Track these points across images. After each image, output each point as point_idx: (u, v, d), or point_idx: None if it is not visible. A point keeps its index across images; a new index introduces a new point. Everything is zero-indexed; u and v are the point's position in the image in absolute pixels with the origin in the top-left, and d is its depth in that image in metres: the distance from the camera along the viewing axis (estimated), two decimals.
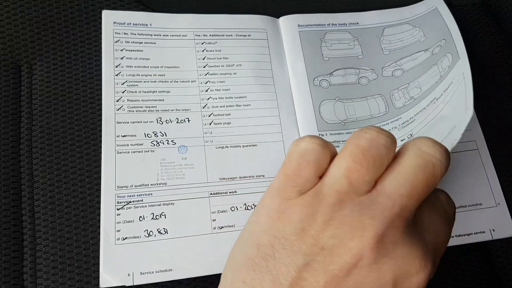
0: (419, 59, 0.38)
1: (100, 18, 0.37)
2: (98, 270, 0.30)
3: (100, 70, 0.36)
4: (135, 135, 0.33)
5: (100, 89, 0.35)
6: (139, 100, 0.35)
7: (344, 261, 0.19)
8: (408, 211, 0.19)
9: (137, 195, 0.31)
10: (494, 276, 0.34)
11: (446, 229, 0.21)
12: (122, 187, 0.32)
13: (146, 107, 0.34)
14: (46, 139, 0.34)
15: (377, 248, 0.18)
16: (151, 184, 0.32)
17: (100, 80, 0.36)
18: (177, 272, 0.30)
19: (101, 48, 0.37)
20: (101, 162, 0.33)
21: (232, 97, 0.36)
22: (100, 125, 0.34)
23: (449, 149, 0.23)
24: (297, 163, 0.21)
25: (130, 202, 0.31)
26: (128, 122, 0.34)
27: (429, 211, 0.21)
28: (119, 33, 0.37)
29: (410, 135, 0.34)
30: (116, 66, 0.35)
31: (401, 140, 0.34)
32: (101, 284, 0.29)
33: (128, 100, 0.34)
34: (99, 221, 0.31)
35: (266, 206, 0.22)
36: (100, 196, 0.32)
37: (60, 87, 0.35)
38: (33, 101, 0.35)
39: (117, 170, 0.32)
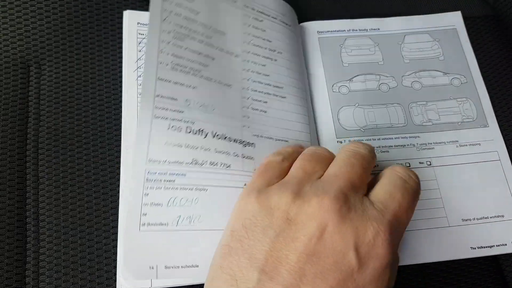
0: (437, 79, 0.39)
1: (114, 18, 0.38)
2: (102, 275, 0.30)
3: (114, 71, 0.37)
4: (177, 99, 0.30)
5: (114, 91, 0.36)
6: (184, 58, 0.32)
7: (311, 228, 0.23)
8: (353, 183, 0.25)
9: (169, 174, 0.29)
10: None
11: (402, 195, 0.25)
12: (154, 161, 0.28)
13: (191, 68, 0.32)
14: (52, 140, 0.34)
15: (335, 211, 0.23)
16: (186, 163, 0.29)
17: (114, 81, 0.37)
18: (203, 270, 0.27)
19: (115, 48, 0.38)
20: (108, 165, 0.34)
21: (270, 85, 0.35)
22: (111, 128, 0.35)
23: None
24: (264, 168, 0.28)
25: (161, 181, 0.28)
26: (170, 81, 0.30)
27: (384, 183, 0.26)
28: (143, 34, 0.37)
29: (429, 163, 0.36)
30: (139, 67, 0.36)
31: (420, 163, 0.36)
32: (118, 277, 0.28)
33: (173, 55, 0.31)
34: (105, 224, 0.32)
35: (239, 200, 0.27)
36: (108, 199, 0.32)
37: (69, 88, 0.36)
38: (41, 102, 0.36)
39: (151, 139, 0.28)
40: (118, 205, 0.32)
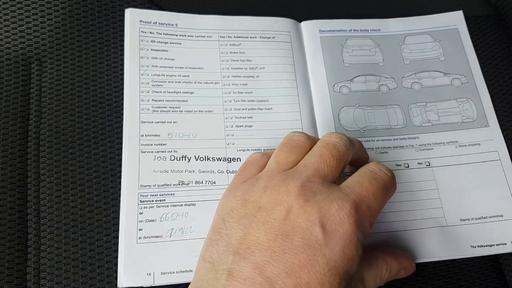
0: (437, 80, 0.40)
1: (116, 16, 0.39)
2: (103, 272, 0.31)
3: (115, 69, 0.37)
4: (159, 135, 0.35)
5: (116, 89, 0.37)
6: (163, 100, 0.36)
7: (279, 211, 0.25)
8: (321, 171, 0.27)
9: (160, 195, 0.33)
10: None
11: (370, 183, 0.27)
12: (145, 186, 0.33)
13: (170, 107, 0.36)
14: (54, 137, 0.35)
15: (300, 196, 0.25)
16: (174, 184, 0.33)
17: (116, 79, 0.37)
18: None
19: (116, 46, 0.38)
20: (109, 162, 0.34)
21: (254, 100, 0.37)
22: (112, 125, 0.35)
23: None
24: (244, 166, 0.30)
25: (153, 201, 0.33)
26: (152, 122, 0.35)
27: (355, 174, 0.28)
28: (145, 32, 0.38)
29: (428, 163, 0.36)
30: (141, 66, 0.37)
31: (419, 164, 0.36)
32: (119, 284, 0.30)
33: (152, 100, 0.36)
34: (106, 222, 0.32)
35: (220, 199, 0.29)
36: (109, 196, 0.33)
37: (70, 85, 0.37)
38: (42, 99, 0.36)
39: (140, 169, 0.33)
40: (119, 202, 0.33)
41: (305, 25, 0.41)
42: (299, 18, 0.42)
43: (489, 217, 0.34)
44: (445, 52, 0.41)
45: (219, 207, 0.29)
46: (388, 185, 0.28)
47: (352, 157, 0.30)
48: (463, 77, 0.40)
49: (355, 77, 0.39)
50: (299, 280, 0.23)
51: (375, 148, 0.36)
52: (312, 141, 0.30)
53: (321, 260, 0.24)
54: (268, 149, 0.35)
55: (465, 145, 0.37)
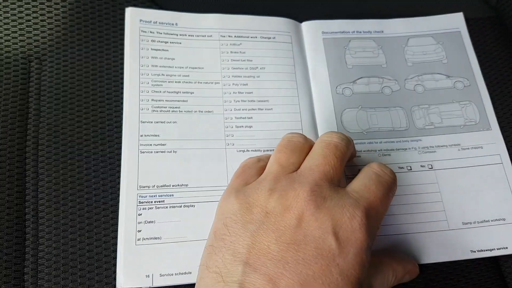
0: (440, 82, 0.40)
1: (116, 15, 0.39)
2: (102, 273, 0.31)
3: (115, 68, 0.37)
4: (159, 135, 0.35)
5: (115, 88, 0.37)
6: (163, 100, 0.36)
7: (289, 218, 0.24)
8: (327, 174, 0.27)
9: (159, 196, 0.33)
10: None
11: (376, 187, 0.27)
12: (144, 187, 0.33)
13: (170, 107, 0.36)
14: (53, 136, 0.35)
15: (311, 202, 0.25)
16: (173, 185, 0.33)
17: (115, 78, 0.37)
18: (195, 276, 0.30)
19: (116, 45, 0.38)
20: (108, 162, 0.34)
21: (254, 101, 0.37)
22: (111, 125, 0.35)
23: None
24: (242, 169, 0.30)
25: (152, 202, 0.33)
26: (152, 122, 0.35)
27: (360, 177, 0.28)
28: (145, 32, 0.38)
29: (430, 166, 0.36)
30: (142, 66, 0.37)
31: (421, 166, 0.36)
32: (118, 285, 0.30)
33: (152, 100, 0.36)
34: (104, 222, 0.32)
35: (219, 202, 0.29)
36: (108, 196, 0.33)
37: (70, 84, 0.37)
38: (41, 98, 0.36)
39: (139, 170, 0.33)
40: (117, 202, 0.33)
41: (306, 26, 0.41)
42: (301, 17, 0.42)
43: (491, 220, 0.34)
44: (448, 54, 0.41)
45: (219, 211, 0.28)
46: (392, 187, 0.28)
47: (350, 156, 0.31)
48: (465, 80, 0.40)
49: (358, 79, 0.39)
50: None
51: (378, 150, 0.36)
52: (310, 142, 0.30)
53: (334, 270, 0.23)
54: (268, 150, 0.36)
55: (468, 148, 0.37)
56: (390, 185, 0.28)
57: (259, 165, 0.30)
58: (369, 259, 0.25)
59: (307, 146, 0.29)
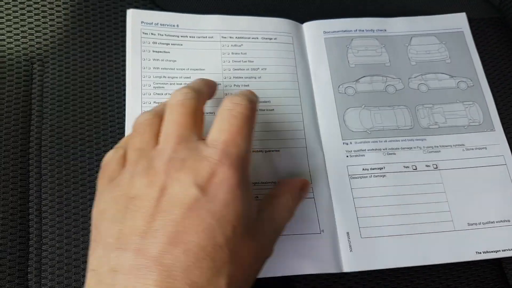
0: (444, 82, 0.40)
1: (117, 17, 0.39)
2: None
3: (117, 70, 0.37)
4: None
5: (117, 89, 0.37)
6: None
7: (152, 193, 0.24)
8: (182, 136, 0.26)
9: None
10: None
11: (230, 124, 0.26)
12: None
13: None
14: (55, 137, 0.35)
15: (171, 169, 0.24)
16: None
17: (117, 80, 0.37)
18: None
19: (118, 47, 0.38)
20: None
21: None
22: (114, 126, 0.36)
23: None
24: (102, 169, 0.28)
25: None
26: None
27: (216, 121, 0.27)
28: (147, 33, 0.38)
29: (435, 166, 0.36)
30: (143, 68, 0.37)
31: (426, 166, 0.36)
32: None
33: (154, 102, 0.36)
34: None
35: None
36: None
37: (72, 86, 0.37)
38: (44, 99, 0.36)
39: None
40: None
41: (308, 26, 0.41)
42: (302, 17, 0.42)
43: (496, 222, 0.34)
44: (451, 54, 0.41)
45: (91, 218, 0.27)
46: (249, 113, 0.27)
47: (208, 98, 0.31)
48: (469, 80, 0.40)
49: (360, 78, 0.39)
50: (187, 245, 0.22)
51: (383, 149, 0.36)
52: (159, 113, 0.28)
53: (206, 216, 0.23)
54: (269, 150, 0.36)
55: (472, 149, 0.37)
56: (245, 114, 0.27)
57: (118, 156, 0.28)
58: (247, 193, 0.25)
59: (157, 118, 0.28)
